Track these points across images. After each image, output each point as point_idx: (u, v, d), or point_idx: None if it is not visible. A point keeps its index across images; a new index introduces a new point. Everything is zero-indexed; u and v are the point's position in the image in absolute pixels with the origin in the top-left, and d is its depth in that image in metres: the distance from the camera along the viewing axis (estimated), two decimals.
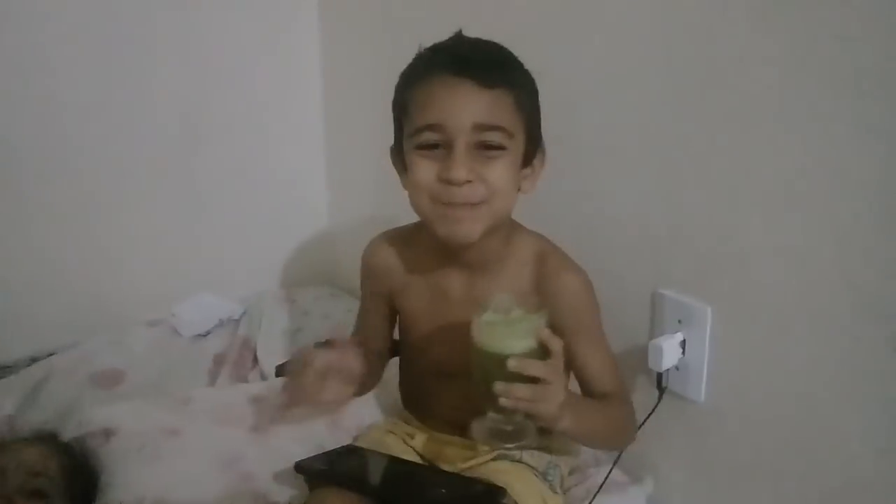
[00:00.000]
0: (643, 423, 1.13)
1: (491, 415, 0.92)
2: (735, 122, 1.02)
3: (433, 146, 0.97)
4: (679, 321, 1.13)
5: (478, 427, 0.94)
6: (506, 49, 1.02)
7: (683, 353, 1.13)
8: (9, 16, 1.48)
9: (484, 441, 0.97)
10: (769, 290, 1.02)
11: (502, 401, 0.88)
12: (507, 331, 0.90)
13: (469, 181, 0.95)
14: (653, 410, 1.13)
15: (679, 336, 1.13)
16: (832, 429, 0.98)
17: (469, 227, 0.98)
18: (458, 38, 1.02)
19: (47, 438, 1.16)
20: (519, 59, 1.02)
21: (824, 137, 0.93)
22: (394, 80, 1.05)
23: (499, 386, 0.87)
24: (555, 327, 0.93)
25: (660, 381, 1.14)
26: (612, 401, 1.05)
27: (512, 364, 0.87)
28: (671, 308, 1.14)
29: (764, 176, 1.00)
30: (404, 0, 1.56)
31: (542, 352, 0.90)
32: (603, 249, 1.21)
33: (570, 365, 1.04)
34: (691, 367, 1.13)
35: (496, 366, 0.88)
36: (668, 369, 1.13)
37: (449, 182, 0.95)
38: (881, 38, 0.86)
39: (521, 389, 0.87)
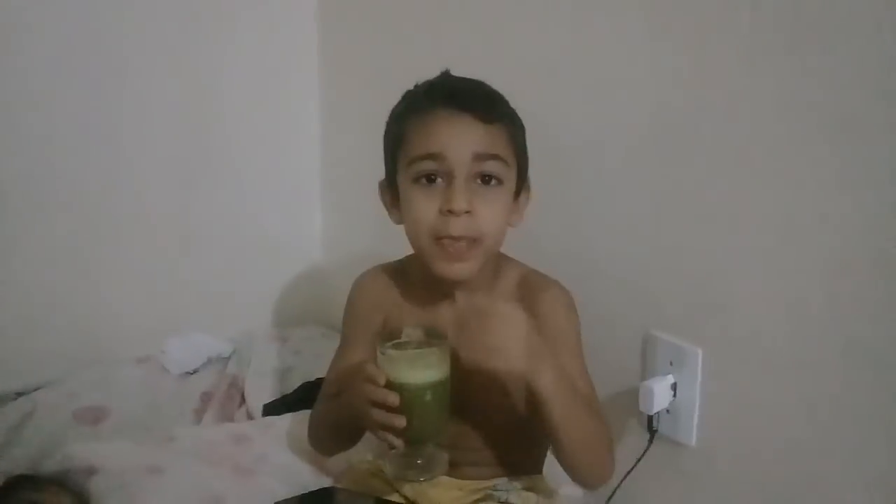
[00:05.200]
0: (634, 467, 1.11)
1: (402, 449, 0.94)
2: (725, 166, 1.03)
3: (431, 179, 0.97)
4: (671, 363, 1.12)
5: (390, 462, 0.97)
6: (494, 88, 1.04)
7: (675, 395, 1.12)
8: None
9: (396, 476, 0.99)
10: (760, 333, 1.02)
11: None
12: (411, 363, 0.92)
13: (468, 212, 0.96)
14: (644, 453, 1.12)
15: (670, 378, 1.12)
16: (823, 474, 0.97)
17: (464, 267, 0.99)
18: (449, 77, 1.05)
19: (73, 486, 1.16)
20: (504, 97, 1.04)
21: (814, 181, 0.93)
22: None
23: None
24: None
25: (650, 424, 1.13)
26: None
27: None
28: (663, 350, 1.13)
29: (754, 219, 1.00)
30: (402, 42, 1.58)
31: (449, 381, 0.93)
32: (595, 291, 1.20)
33: None
34: (682, 409, 1.11)
35: (405, 397, 0.91)
36: (658, 412, 1.12)
37: (450, 212, 0.96)
38: (865, 82, 0.87)
39: None
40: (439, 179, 0.97)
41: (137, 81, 1.63)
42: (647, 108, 1.12)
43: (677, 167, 1.09)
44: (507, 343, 0.89)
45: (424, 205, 0.98)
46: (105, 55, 1.59)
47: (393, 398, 0.91)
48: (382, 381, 0.91)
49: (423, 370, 0.92)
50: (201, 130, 1.73)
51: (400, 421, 0.91)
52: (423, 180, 0.98)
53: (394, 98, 1.06)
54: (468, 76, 1.04)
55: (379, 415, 0.92)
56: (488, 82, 1.04)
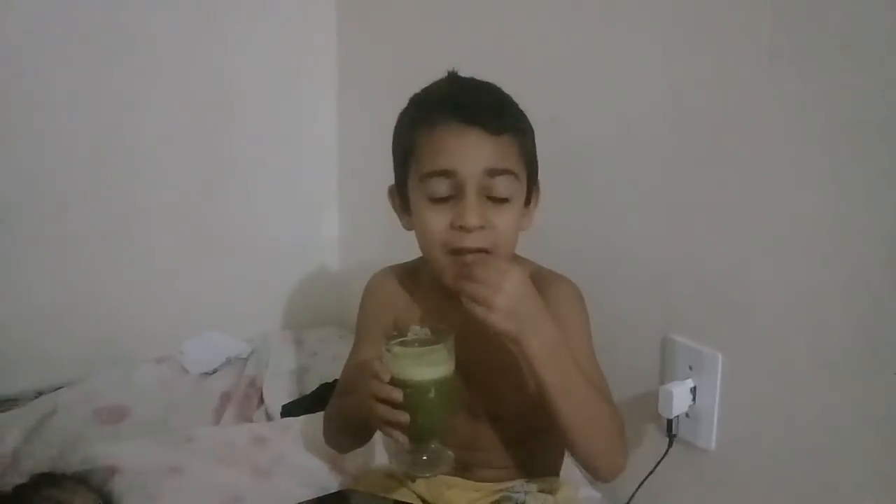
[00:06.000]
0: (653, 471, 1.10)
1: (407, 445, 0.95)
2: (746, 168, 1.02)
3: (443, 194, 0.97)
4: (690, 367, 1.12)
5: (396, 458, 0.97)
6: (502, 91, 1.03)
7: (694, 400, 1.11)
8: (20, 50, 1.51)
9: (403, 472, 0.99)
10: (780, 338, 1.01)
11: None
12: (416, 360, 0.92)
13: (481, 227, 0.96)
14: (662, 458, 1.11)
15: (690, 382, 1.11)
16: (843, 479, 0.96)
17: None
18: (457, 82, 1.04)
19: (96, 485, 1.17)
20: (513, 99, 1.03)
21: (835, 184, 0.93)
22: None
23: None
24: None
25: (670, 429, 1.12)
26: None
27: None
28: (682, 354, 1.13)
29: (775, 222, 1.00)
30: (420, 46, 1.58)
31: (453, 379, 0.94)
32: (614, 294, 1.20)
33: None
34: (702, 414, 1.11)
35: (409, 393, 0.91)
36: (678, 416, 1.11)
37: (462, 228, 0.96)
38: (885, 85, 0.87)
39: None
40: (450, 194, 0.97)
41: (155, 85, 1.65)
42: (667, 110, 1.11)
43: (696, 169, 1.09)
44: (496, 295, 0.89)
45: (436, 219, 0.98)
46: (125, 61, 1.61)
47: (397, 394, 0.91)
48: (387, 378, 0.92)
49: (426, 367, 0.92)
50: (219, 135, 1.74)
51: (404, 417, 0.91)
52: (435, 195, 0.98)
53: (409, 95, 1.05)
54: (485, 78, 1.03)
55: (383, 411, 0.92)
56: (506, 84, 1.03)
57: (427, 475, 1.01)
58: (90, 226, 1.62)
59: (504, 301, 0.90)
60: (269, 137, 1.80)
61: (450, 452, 0.98)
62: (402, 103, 1.06)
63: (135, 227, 1.67)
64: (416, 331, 0.97)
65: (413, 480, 1.07)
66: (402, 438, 0.94)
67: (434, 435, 0.96)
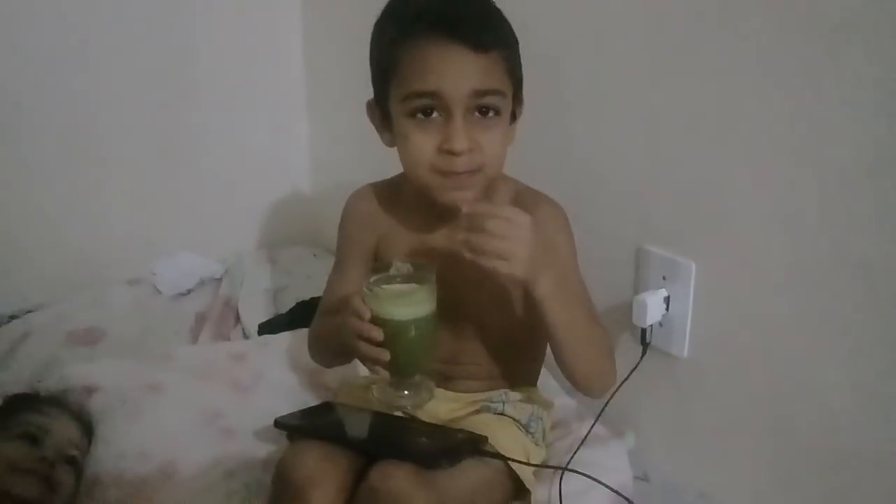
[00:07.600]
0: (626, 379, 1.12)
1: (389, 379, 0.98)
2: (721, 76, 1.01)
3: (427, 113, 0.95)
4: (664, 277, 1.13)
5: (377, 391, 1.01)
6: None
7: (667, 309, 1.13)
8: None
9: (383, 405, 1.01)
10: (753, 246, 1.02)
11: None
12: (396, 300, 0.94)
13: (470, 149, 0.94)
14: (636, 366, 1.13)
15: (663, 292, 1.13)
16: (814, 384, 0.98)
17: (467, 194, 0.98)
18: None
19: (73, 408, 1.17)
20: (495, 5, 0.99)
21: (811, 91, 0.92)
22: None
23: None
24: None
25: (643, 337, 1.14)
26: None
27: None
28: (656, 264, 1.14)
29: (750, 130, 0.99)
30: None
31: (434, 317, 0.96)
32: (588, 206, 1.20)
33: None
34: (675, 323, 1.13)
35: (390, 331, 0.93)
36: (651, 325, 1.13)
37: (451, 152, 0.94)
38: None
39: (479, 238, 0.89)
40: (436, 113, 0.95)
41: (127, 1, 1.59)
42: (642, 16, 1.09)
43: (672, 79, 1.07)
44: (513, 246, 0.89)
45: (422, 140, 0.95)
46: None
47: (376, 333, 0.93)
48: (367, 317, 0.93)
49: (406, 307, 0.94)
50: (189, 52, 1.70)
51: (384, 355, 0.93)
52: (420, 115, 0.95)
53: (377, 10, 1.01)
54: None
55: (365, 348, 0.94)
56: None
57: (408, 408, 1.03)
58: (59, 148, 1.59)
59: (524, 252, 0.89)
60: (239, 56, 1.75)
61: (431, 384, 1.00)
62: (370, 11, 1.01)
63: (103, 148, 1.63)
64: (399, 266, 0.97)
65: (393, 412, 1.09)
66: (384, 373, 0.96)
67: (415, 370, 0.99)
